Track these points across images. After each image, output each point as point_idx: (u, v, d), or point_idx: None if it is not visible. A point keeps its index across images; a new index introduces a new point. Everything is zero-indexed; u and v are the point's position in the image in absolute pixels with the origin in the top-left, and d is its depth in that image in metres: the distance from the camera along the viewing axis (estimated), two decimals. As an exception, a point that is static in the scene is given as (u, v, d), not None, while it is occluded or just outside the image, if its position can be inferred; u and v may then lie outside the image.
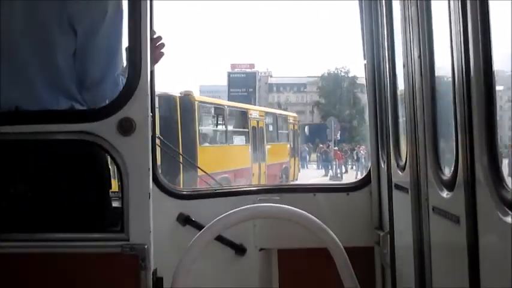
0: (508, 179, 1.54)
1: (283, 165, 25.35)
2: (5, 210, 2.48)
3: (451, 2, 1.89)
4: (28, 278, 2.42)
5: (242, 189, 4.08)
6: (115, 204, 3.78)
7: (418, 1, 2.39)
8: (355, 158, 34.84)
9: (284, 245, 3.67)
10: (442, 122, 2.28)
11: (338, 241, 2.87)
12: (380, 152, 3.62)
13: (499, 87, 1.66)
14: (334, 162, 33.93)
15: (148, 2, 2.47)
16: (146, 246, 2.38)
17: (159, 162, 3.94)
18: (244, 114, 21.94)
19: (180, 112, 16.71)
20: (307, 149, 38.68)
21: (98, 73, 2.59)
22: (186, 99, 17.17)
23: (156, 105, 14.84)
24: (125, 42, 2.60)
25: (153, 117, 2.66)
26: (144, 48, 2.41)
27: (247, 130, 21.53)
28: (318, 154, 37.03)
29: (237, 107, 23.08)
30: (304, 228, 2.91)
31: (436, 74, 2.29)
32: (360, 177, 4.53)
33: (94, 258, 2.43)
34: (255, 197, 3.64)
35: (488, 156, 1.59)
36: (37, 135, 2.47)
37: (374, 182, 3.70)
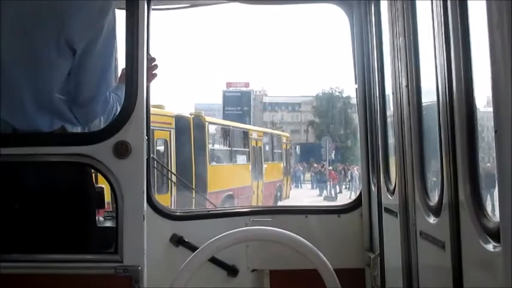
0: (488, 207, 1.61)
1: (278, 184, 25.90)
2: None
3: (436, 34, 1.97)
4: (22, 298, 2.44)
5: (235, 210, 4.13)
6: (108, 224, 3.84)
7: (406, 32, 2.48)
8: (349, 178, 34.80)
9: (276, 266, 3.70)
10: (429, 149, 2.35)
11: (328, 263, 2.90)
12: (371, 176, 3.68)
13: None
14: (328, 182, 33.89)
15: (145, 32, 2.53)
16: (140, 268, 2.41)
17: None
18: (246, 135, 22.68)
19: (193, 132, 17.32)
20: (301, 168, 38.65)
21: (90, 91, 2.61)
22: (198, 120, 17.84)
23: (173, 126, 15.21)
24: (121, 62, 2.62)
25: (148, 140, 2.70)
26: (140, 75, 2.47)
27: (248, 150, 22.16)
28: (312, 174, 36.97)
29: (240, 128, 23.81)
30: (294, 251, 2.95)
31: (422, 103, 2.37)
32: (354, 197, 4.58)
33: (88, 280, 2.46)
34: (247, 218, 3.68)
35: (470, 184, 1.66)
36: (35, 157, 2.51)
37: (365, 204, 3.75)
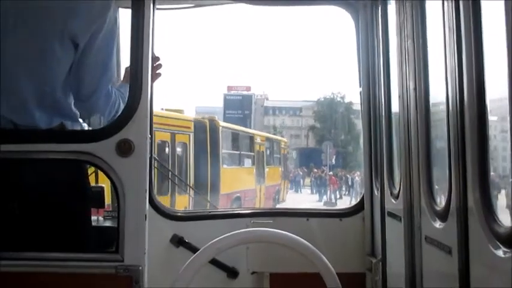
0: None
1: (276, 187, 26.63)
2: None
3: (447, 37, 1.95)
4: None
5: (235, 212, 4.09)
6: (108, 223, 3.81)
7: (415, 34, 2.45)
8: (350, 183, 34.76)
9: (276, 269, 3.67)
10: (436, 154, 2.32)
11: (330, 266, 2.88)
12: (374, 179, 3.65)
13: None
14: (328, 188, 33.86)
15: (150, 31, 2.51)
16: (140, 268, 2.38)
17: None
18: (251, 139, 23.47)
19: (210, 135, 17.97)
20: (301, 173, 38.63)
21: (92, 85, 2.60)
22: (213, 124, 18.48)
23: (192, 130, 15.78)
24: (124, 61, 2.61)
25: (151, 138, 2.68)
26: (145, 73, 2.45)
27: (253, 154, 22.92)
28: (312, 179, 36.95)
29: (247, 133, 24.78)
30: (296, 253, 2.92)
31: (430, 106, 2.34)
32: (354, 203, 4.56)
33: (88, 278, 2.43)
34: (248, 220, 3.65)
35: (480, 189, 1.63)
36: (36, 154, 2.48)
37: (367, 208, 3.72)
